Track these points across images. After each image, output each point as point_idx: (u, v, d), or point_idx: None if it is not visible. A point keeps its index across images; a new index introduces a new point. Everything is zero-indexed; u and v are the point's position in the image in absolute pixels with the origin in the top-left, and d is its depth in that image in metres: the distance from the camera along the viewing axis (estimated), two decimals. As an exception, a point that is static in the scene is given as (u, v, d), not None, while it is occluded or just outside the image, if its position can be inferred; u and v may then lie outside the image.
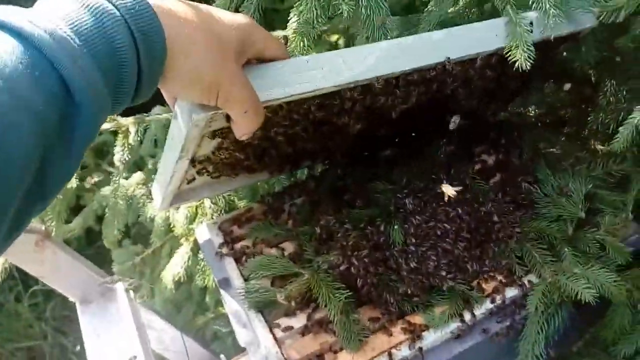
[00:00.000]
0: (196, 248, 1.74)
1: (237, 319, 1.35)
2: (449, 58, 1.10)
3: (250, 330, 1.29)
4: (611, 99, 1.48)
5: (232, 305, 1.38)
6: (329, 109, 1.14)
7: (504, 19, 1.16)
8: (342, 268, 1.23)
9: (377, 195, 1.39)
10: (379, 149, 1.58)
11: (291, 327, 1.23)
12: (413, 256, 1.25)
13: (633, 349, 1.21)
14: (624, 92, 1.45)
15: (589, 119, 1.54)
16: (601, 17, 1.23)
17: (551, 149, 1.57)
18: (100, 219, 2.05)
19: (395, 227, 1.28)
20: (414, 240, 1.27)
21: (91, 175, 2.47)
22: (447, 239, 1.28)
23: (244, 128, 0.89)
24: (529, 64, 1.10)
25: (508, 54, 1.12)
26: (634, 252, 1.29)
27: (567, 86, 1.69)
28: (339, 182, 1.55)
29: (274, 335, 1.23)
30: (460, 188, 1.32)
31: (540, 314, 1.19)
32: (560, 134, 1.70)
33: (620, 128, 1.16)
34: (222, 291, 1.42)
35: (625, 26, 1.43)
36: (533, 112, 1.91)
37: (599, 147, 1.59)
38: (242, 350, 2.19)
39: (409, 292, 1.21)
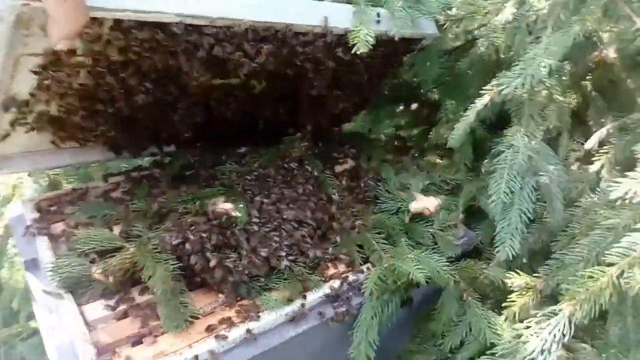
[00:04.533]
0: (7, 236, 1.47)
1: (44, 304, 1.13)
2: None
3: (56, 314, 1.09)
4: (451, 116, 1.61)
5: (39, 292, 1.17)
6: (167, 49, 1.05)
7: (354, 7, 1.22)
8: (175, 242, 1.11)
9: (224, 177, 1.31)
10: (232, 145, 1.52)
11: (106, 308, 1.06)
12: (255, 236, 1.18)
13: (459, 340, 1.25)
14: (463, 110, 1.60)
15: (430, 134, 1.66)
16: (444, 26, 1.36)
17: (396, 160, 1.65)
18: None
19: (241, 205, 1.20)
20: (258, 220, 1.21)
21: None
22: (291, 222, 1.24)
23: (61, 26, 0.77)
24: (365, 48, 1.15)
25: (350, 37, 1.17)
26: (462, 253, 1.37)
27: (414, 106, 1.83)
28: (185, 170, 1.45)
29: (84, 317, 1.05)
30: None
31: (376, 299, 1.18)
32: (405, 149, 1.81)
33: (456, 125, 1.25)
34: (28, 275, 1.20)
35: (466, 48, 1.61)
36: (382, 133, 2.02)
37: (438, 160, 1.72)
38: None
39: (247, 272, 1.13)
